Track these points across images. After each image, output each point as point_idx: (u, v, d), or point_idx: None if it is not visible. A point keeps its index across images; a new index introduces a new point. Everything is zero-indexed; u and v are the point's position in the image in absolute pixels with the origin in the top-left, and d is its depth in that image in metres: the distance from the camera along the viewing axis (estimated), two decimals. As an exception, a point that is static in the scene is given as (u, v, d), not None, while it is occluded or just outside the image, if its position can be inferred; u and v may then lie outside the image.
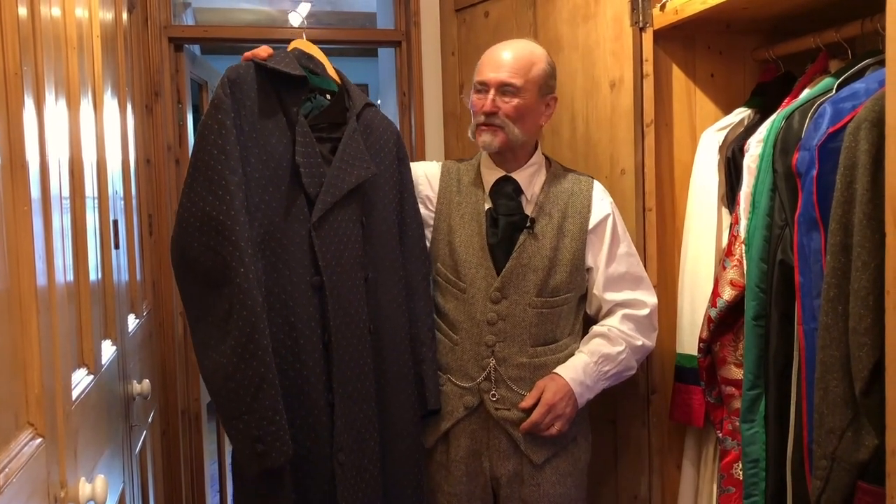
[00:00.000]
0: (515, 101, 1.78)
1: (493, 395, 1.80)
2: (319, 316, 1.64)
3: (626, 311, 1.85)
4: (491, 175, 1.89)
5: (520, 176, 1.87)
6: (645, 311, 1.86)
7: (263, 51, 1.67)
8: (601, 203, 1.87)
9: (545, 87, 1.83)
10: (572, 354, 1.83)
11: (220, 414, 1.56)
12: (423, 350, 1.82)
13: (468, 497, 1.84)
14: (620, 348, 1.81)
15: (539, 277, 1.80)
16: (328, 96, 1.75)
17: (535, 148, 1.91)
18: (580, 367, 1.78)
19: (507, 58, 1.79)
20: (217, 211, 1.50)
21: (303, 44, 1.79)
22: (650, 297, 1.88)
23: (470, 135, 1.86)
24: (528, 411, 1.77)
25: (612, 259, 1.86)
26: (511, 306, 1.80)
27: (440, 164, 2.00)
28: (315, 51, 1.79)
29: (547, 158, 1.94)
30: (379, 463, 1.72)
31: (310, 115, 1.70)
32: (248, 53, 1.66)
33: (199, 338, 1.57)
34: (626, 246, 1.89)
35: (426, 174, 1.96)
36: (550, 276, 1.80)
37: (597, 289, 1.86)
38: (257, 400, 1.50)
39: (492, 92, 1.78)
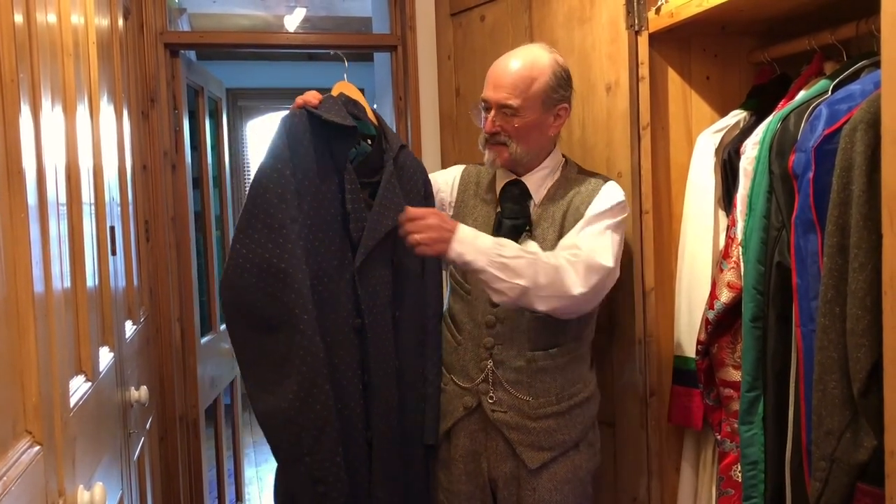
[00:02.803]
0: (516, 120, 1.77)
1: (491, 398, 1.80)
2: (360, 357, 1.71)
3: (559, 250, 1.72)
4: (503, 179, 1.89)
5: (529, 180, 1.86)
6: (580, 255, 1.67)
7: (313, 97, 1.71)
8: (604, 197, 1.77)
9: (549, 100, 1.78)
10: (573, 359, 1.82)
11: (278, 456, 1.63)
12: (426, 386, 1.86)
13: (468, 497, 1.85)
14: (530, 251, 1.69)
15: None
16: (369, 141, 1.81)
17: (550, 152, 1.87)
18: (479, 233, 1.69)
19: (507, 76, 1.76)
20: (278, 259, 1.57)
21: (346, 87, 1.81)
22: (591, 260, 1.67)
23: (480, 147, 1.86)
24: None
25: (573, 233, 1.74)
26: (509, 310, 1.79)
27: (463, 167, 2.01)
28: (357, 94, 1.82)
29: (567, 161, 1.91)
30: (403, 500, 1.80)
31: (354, 161, 1.75)
32: (299, 100, 1.70)
33: (253, 381, 1.62)
34: (600, 229, 1.72)
35: (447, 181, 1.97)
36: None
37: None
38: (319, 442, 1.57)
39: (493, 112, 1.78)
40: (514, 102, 1.75)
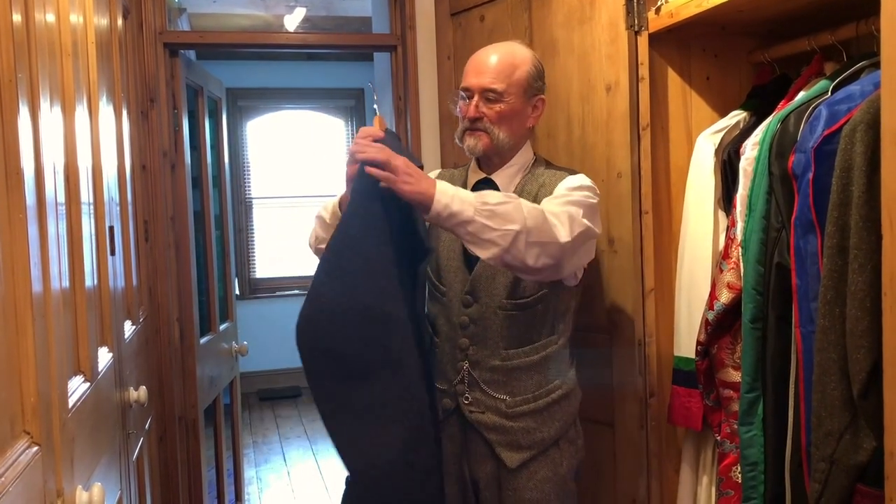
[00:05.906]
0: (499, 106, 1.77)
1: (467, 398, 1.80)
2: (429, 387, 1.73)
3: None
4: (473, 178, 1.89)
5: (499, 177, 1.85)
6: (556, 211, 1.64)
7: (379, 153, 1.58)
8: (568, 181, 1.76)
9: (530, 89, 1.81)
10: (549, 356, 1.80)
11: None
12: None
13: (451, 499, 1.84)
14: (510, 195, 1.62)
15: (509, 279, 1.76)
16: None
17: (521, 147, 1.86)
18: (457, 186, 1.61)
19: (490, 62, 1.78)
20: (382, 303, 1.53)
21: (383, 122, 1.76)
22: (571, 213, 1.64)
23: (457, 140, 1.85)
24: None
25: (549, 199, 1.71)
26: (481, 309, 1.79)
27: (437, 171, 2.00)
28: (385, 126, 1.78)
29: (537, 158, 1.90)
30: None
31: None
32: (360, 156, 1.58)
33: (342, 429, 1.57)
34: (575, 200, 1.68)
35: None
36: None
37: None
38: (424, 489, 1.58)
39: (475, 98, 1.77)
40: (498, 86, 1.76)
